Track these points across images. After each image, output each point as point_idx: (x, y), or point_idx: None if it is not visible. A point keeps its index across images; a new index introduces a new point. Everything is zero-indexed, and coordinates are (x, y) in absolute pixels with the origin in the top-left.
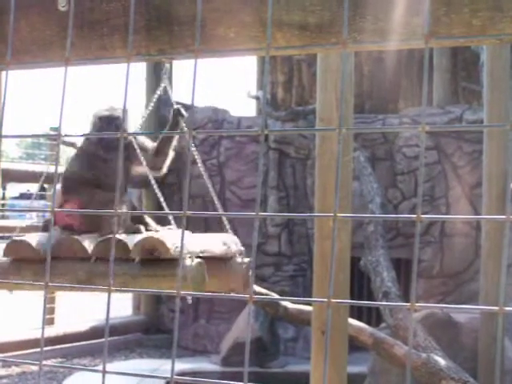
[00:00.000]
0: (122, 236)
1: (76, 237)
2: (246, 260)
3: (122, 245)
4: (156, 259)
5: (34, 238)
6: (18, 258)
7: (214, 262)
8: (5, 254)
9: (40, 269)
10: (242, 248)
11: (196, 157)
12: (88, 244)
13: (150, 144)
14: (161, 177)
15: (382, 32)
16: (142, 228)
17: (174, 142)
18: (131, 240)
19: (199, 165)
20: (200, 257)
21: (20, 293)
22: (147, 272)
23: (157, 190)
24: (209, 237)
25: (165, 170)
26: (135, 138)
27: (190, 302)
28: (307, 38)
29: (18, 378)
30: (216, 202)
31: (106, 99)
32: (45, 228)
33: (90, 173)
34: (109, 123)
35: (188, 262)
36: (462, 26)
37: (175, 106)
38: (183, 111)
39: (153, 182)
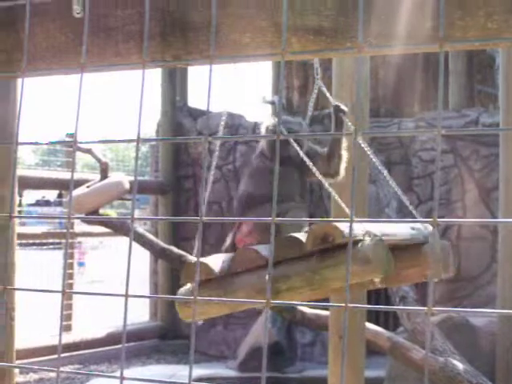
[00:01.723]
0: (295, 234)
1: (249, 246)
2: (443, 242)
3: (297, 242)
4: (331, 249)
5: (212, 261)
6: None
7: (404, 249)
8: (184, 279)
9: (216, 288)
10: (436, 232)
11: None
12: (263, 250)
13: (319, 149)
14: (338, 180)
15: (397, 36)
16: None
17: (345, 143)
18: (302, 236)
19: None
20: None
21: (37, 300)
22: (327, 263)
23: None
24: (393, 224)
25: (342, 173)
26: (308, 145)
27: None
28: (322, 43)
29: None
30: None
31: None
32: (226, 251)
33: (262, 189)
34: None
35: (366, 241)
36: (476, 29)
37: (334, 103)
38: (343, 106)
39: (327, 185)
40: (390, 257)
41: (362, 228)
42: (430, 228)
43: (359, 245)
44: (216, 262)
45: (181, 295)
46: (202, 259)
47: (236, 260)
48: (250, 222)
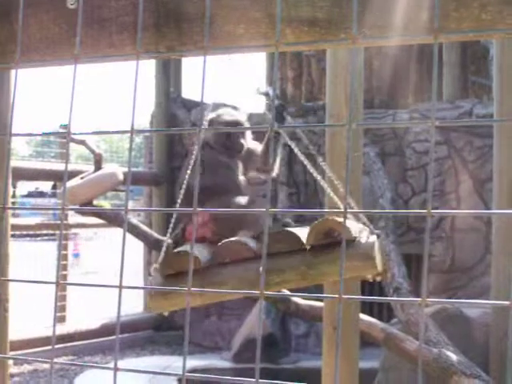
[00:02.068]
0: (288, 229)
1: (233, 238)
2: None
3: (292, 236)
4: (326, 244)
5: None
6: (175, 272)
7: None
8: (160, 271)
9: (199, 279)
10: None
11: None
12: (250, 242)
13: (258, 146)
14: (272, 176)
15: (391, 27)
16: (291, 222)
17: (281, 142)
18: (297, 231)
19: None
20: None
21: (31, 291)
22: (324, 258)
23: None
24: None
25: (276, 169)
26: (246, 142)
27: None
28: (316, 34)
29: (29, 375)
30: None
31: (115, 97)
32: (176, 243)
33: (214, 180)
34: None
35: (363, 239)
36: (471, 20)
37: (277, 102)
38: (284, 105)
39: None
40: (384, 252)
41: (356, 225)
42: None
43: (356, 241)
44: (200, 252)
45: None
46: (183, 248)
47: (220, 251)
48: (203, 214)
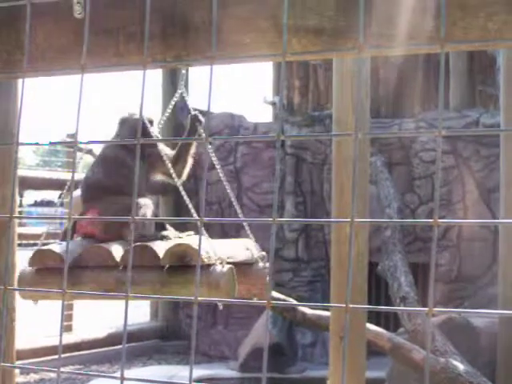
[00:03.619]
0: (151, 243)
1: (103, 245)
2: (268, 265)
3: (152, 252)
4: (185, 266)
5: (58, 247)
6: (44, 267)
7: (239, 268)
8: (30, 264)
9: (62, 276)
10: (264, 253)
11: (215, 162)
12: (116, 251)
13: (169, 151)
14: (178, 183)
15: (398, 37)
16: (171, 234)
17: (193, 149)
18: (160, 247)
19: (218, 170)
20: (229, 263)
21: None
22: (177, 279)
23: (185, 197)
24: (231, 242)
25: (184, 177)
26: (157, 145)
27: (221, 307)
28: (323, 43)
29: None
30: (236, 205)
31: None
32: (64, 236)
33: (113, 179)
34: (135, 129)
35: (219, 267)
36: (477, 30)
37: (193, 113)
38: (201, 117)
39: (181, 190)
40: (235, 281)
41: (213, 251)
42: (260, 250)
43: (211, 269)
44: (72, 251)
45: (21, 276)
46: (51, 247)
47: (86, 255)
48: (94, 210)
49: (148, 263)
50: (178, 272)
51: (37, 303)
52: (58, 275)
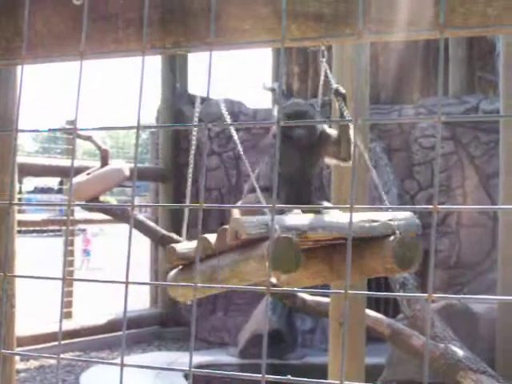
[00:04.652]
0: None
1: (204, 236)
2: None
3: (226, 234)
4: (245, 242)
5: (179, 245)
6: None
7: (370, 242)
8: (168, 262)
9: (187, 272)
10: (395, 224)
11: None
12: (212, 239)
13: (332, 131)
14: (348, 164)
15: (397, 23)
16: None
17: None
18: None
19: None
20: (342, 238)
21: (37, 287)
22: (241, 257)
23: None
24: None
25: (351, 157)
26: (322, 127)
27: (189, 303)
28: (322, 29)
29: (36, 371)
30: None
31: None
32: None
33: (285, 171)
34: (298, 119)
35: (271, 241)
36: (477, 15)
37: (334, 86)
38: (342, 89)
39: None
40: (298, 256)
41: (275, 224)
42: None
43: (265, 242)
44: (186, 248)
45: (169, 278)
46: (178, 245)
47: (196, 248)
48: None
49: (226, 247)
50: (243, 250)
51: (191, 302)
52: (187, 271)
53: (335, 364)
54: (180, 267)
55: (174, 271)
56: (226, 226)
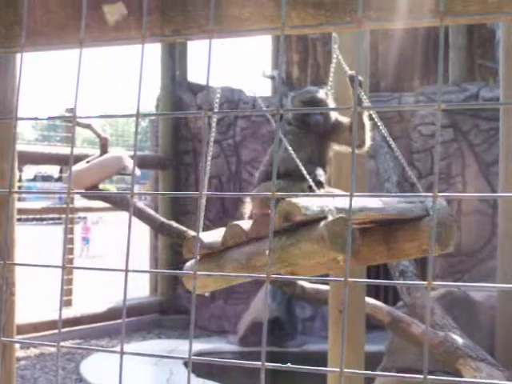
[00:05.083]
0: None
1: (236, 222)
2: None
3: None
4: (299, 225)
5: (203, 235)
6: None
7: (405, 224)
8: (185, 254)
9: (211, 261)
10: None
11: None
12: (245, 225)
13: (344, 119)
14: (364, 151)
15: (397, 10)
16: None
17: (366, 112)
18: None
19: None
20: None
21: (37, 275)
22: (291, 240)
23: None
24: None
25: (368, 143)
26: (330, 113)
27: (207, 295)
28: (322, 17)
29: (36, 359)
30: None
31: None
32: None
33: (301, 154)
34: (313, 106)
35: (329, 219)
36: (477, 3)
37: (349, 73)
38: (359, 76)
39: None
40: (354, 235)
41: (330, 205)
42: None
43: (322, 223)
44: (211, 237)
45: (187, 269)
46: (201, 234)
47: (225, 235)
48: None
49: (265, 232)
50: (293, 233)
51: (208, 294)
52: (209, 261)
53: (335, 352)
54: (198, 257)
55: (191, 261)
56: (267, 212)
